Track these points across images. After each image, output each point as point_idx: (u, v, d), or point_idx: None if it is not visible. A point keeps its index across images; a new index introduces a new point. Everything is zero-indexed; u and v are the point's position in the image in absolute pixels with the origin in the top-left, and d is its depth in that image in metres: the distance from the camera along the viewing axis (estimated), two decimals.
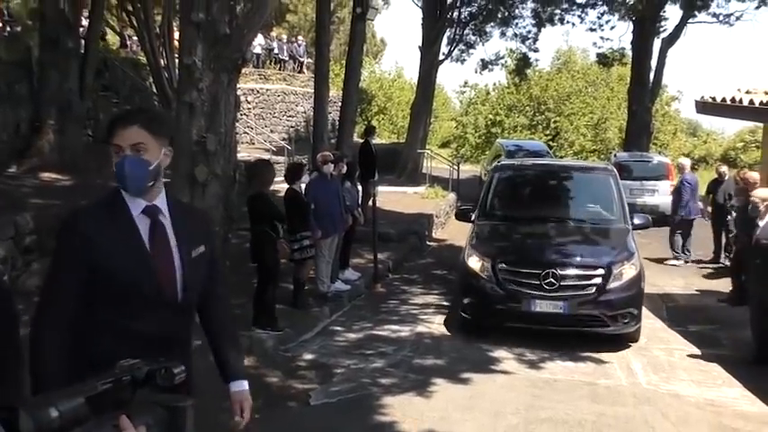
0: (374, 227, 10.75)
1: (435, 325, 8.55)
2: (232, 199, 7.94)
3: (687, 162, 13.82)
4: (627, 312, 7.60)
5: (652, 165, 17.86)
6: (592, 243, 8.45)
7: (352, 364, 6.92)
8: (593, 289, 7.56)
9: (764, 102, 7.70)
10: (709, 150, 39.94)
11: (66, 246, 2.44)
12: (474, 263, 8.08)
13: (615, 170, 9.77)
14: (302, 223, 8.13)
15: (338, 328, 8.34)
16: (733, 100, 8.59)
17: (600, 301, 7.53)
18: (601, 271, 7.63)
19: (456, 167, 21.32)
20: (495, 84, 38.72)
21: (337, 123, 15.62)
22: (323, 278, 9.02)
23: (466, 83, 39.84)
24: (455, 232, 15.97)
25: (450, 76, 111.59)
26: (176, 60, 18.21)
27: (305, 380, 6.43)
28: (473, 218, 9.18)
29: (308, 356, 7.14)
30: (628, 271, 7.72)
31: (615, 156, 19.19)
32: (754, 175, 9.85)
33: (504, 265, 7.83)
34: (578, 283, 7.65)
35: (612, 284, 7.57)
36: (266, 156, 19.77)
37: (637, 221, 8.60)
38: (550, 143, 34.92)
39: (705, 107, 9.62)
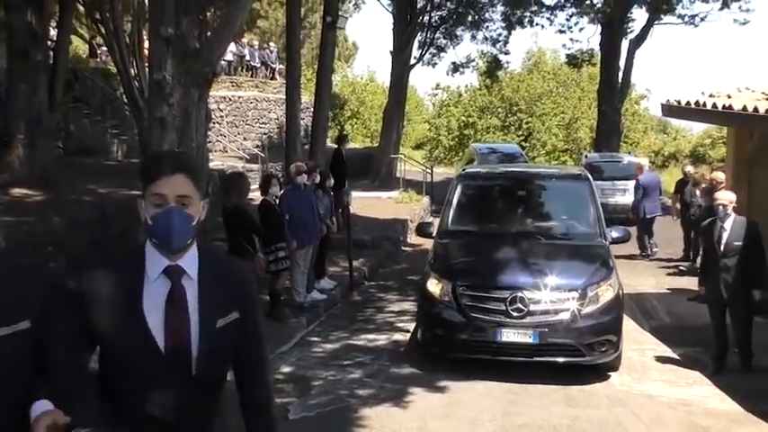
0: (349, 235, 10.81)
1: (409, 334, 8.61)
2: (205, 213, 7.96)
3: (645, 162, 14.94)
4: (605, 340, 6.84)
5: (622, 165, 18.10)
6: (565, 261, 7.46)
7: (329, 376, 6.96)
8: (567, 314, 6.77)
9: (726, 105, 7.88)
10: (678, 147, 40.62)
11: (55, 300, 2.15)
12: (432, 286, 7.27)
13: (590, 176, 8.90)
14: (277, 234, 8.16)
15: (315, 339, 8.37)
16: (697, 103, 8.76)
17: (574, 328, 6.75)
18: (575, 294, 6.85)
19: (429, 171, 21.42)
20: (466, 86, 39.07)
21: (311, 129, 15.63)
22: (299, 288, 9.05)
23: (438, 85, 40.05)
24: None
25: (423, 79, 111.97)
26: (147, 70, 18.26)
27: (283, 393, 6.45)
28: (434, 234, 8.38)
29: (286, 369, 7.16)
30: (605, 293, 6.96)
31: (586, 156, 19.45)
32: (720, 176, 10.03)
33: (465, 289, 7.04)
34: (550, 307, 6.82)
35: (588, 309, 6.81)
36: (240, 164, 19.76)
37: (614, 235, 7.85)
38: (523, 144, 35.24)
39: (671, 110, 9.80)
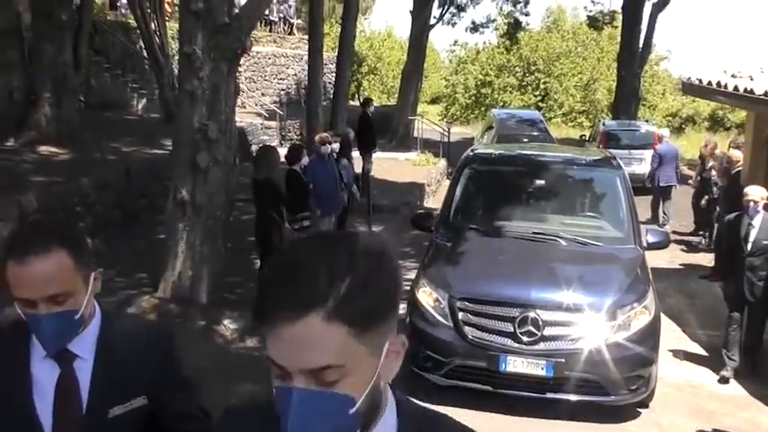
0: (368, 202, 11.03)
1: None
2: (232, 184, 8.19)
3: (666, 132, 15.08)
4: (636, 376, 5.61)
5: (640, 133, 18.12)
6: (590, 273, 6.09)
7: None
8: (590, 342, 5.53)
9: (749, 89, 7.94)
10: (696, 110, 40.21)
11: None
12: (424, 296, 5.96)
13: (623, 167, 7.61)
14: (302, 203, 8.37)
15: None
16: (719, 84, 8.81)
17: (598, 360, 5.50)
18: (601, 316, 5.58)
19: (447, 133, 21.48)
20: (484, 43, 38.77)
21: (330, 87, 15.71)
22: None
23: (456, 42, 39.85)
24: None
25: (440, 36, 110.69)
26: (167, 25, 18.31)
27: None
28: (432, 227, 7.02)
29: None
30: (639, 317, 5.69)
31: (604, 124, 19.41)
32: (738, 154, 10.13)
33: (465, 302, 5.75)
34: (569, 332, 5.59)
35: (617, 336, 5.58)
36: (258, 120, 19.92)
37: (651, 239, 6.47)
38: (540, 104, 35.16)
39: (692, 89, 9.85)
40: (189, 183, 7.45)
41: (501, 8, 24.85)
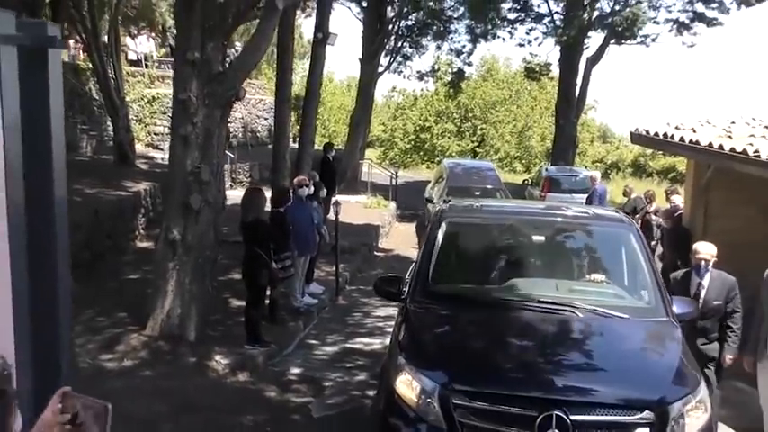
0: (336, 242, 11.43)
1: None
2: (219, 225, 8.51)
3: (597, 174, 16.91)
4: None
5: (579, 178, 19.21)
6: (624, 357, 4.77)
7: (337, 377, 7.60)
8: None
9: (694, 141, 8.78)
10: (620, 156, 42.35)
11: None
12: (404, 386, 4.40)
13: (634, 223, 6.59)
14: (285, 244, 8.74)
15: (314, 342, 9.00)
16: (665, 135, 9.68)
17: None
18: (648, 416, 4.15)
19: (395, 176, 22.16)
20: (422, 90, 40.05)
21: (298, 141, 16.11)
22: (296, 294, 9.65)
23: (394, 87, 40.94)
24: (399, 242, 16.87)
25: (380, 82, 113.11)
26: (122, 68, 18.45)
27: (300, 393, 7.07)
28: (404, 295, 5.42)
29: (296, 370, 7.78)
30: (695, 415, 4.29)
31: (546, 170, 20.45)
32: (679, 199, 11.11)
33: (464, 397, 4.21)
34: None
35: None
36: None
37: (679, 310, 5.25)
38: (477, 149, 36.45)
39: (640, 139, 10.72)
40: (180, 223, 7.75)
41: (446, 59, 25.93)
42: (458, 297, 5.43)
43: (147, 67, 21.40)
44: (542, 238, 6.20)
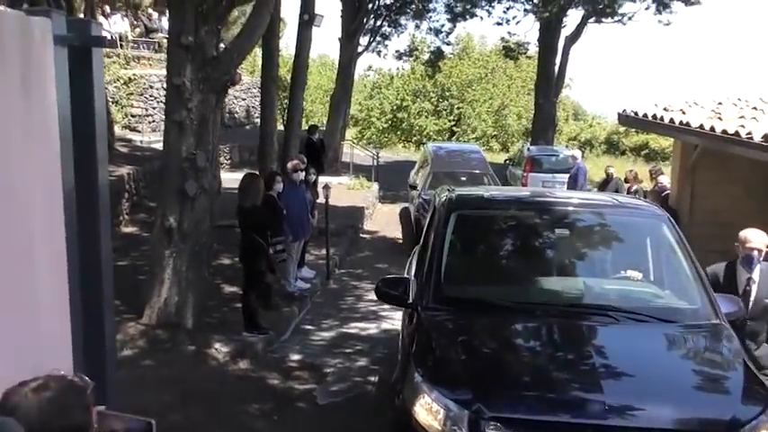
0: (326, 226, 11.39)
1: (397, 321, 9.29)
2: (215, 211, 8.42)
3: (578, 153, 17.35)
4: None
5: (561, 158, 19.30)
6: (681, 372, 4.20)
7: (338, 363, 7.60)
8: None
9: (684, 122, 8.86)
10: (594, 134, 42.65)
11: None
12: (427, 414, 3.83)
13: (666, 213, 5.64)
14: (278, 229, 8.68)
15: (309, 327, 8.99)
16: (654, 117, 9.76)
17: None
18: None
19: (376, 157, 22.11)
20: (398, 69, 39.84)
21: (285, 124, 15.94)
22: (290, 279, 9.61)
23: (370, 67, 40.65)
24: (383, 224, 16.85)
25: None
26: None
27: (302, 380, 7.07)
28: (411, 300, 4.79)
29: (295, 357, 7.76)
30: None
31: (528, 149, 20.53)
32: (665, 180, 11.23)
33: (501, 428, 3.62)
34: None
35: None
36: None
37: (726, 309, 4.68)
38: (454, 128, 36.46)
39: (628, 120, 10.80)
40: (176, 210, 7.65)
41: (423, 38, 25.80)
42: (477, 302, 4.81)
43: (122, 47, 20.97)
44: (567, 231, 5.51)
